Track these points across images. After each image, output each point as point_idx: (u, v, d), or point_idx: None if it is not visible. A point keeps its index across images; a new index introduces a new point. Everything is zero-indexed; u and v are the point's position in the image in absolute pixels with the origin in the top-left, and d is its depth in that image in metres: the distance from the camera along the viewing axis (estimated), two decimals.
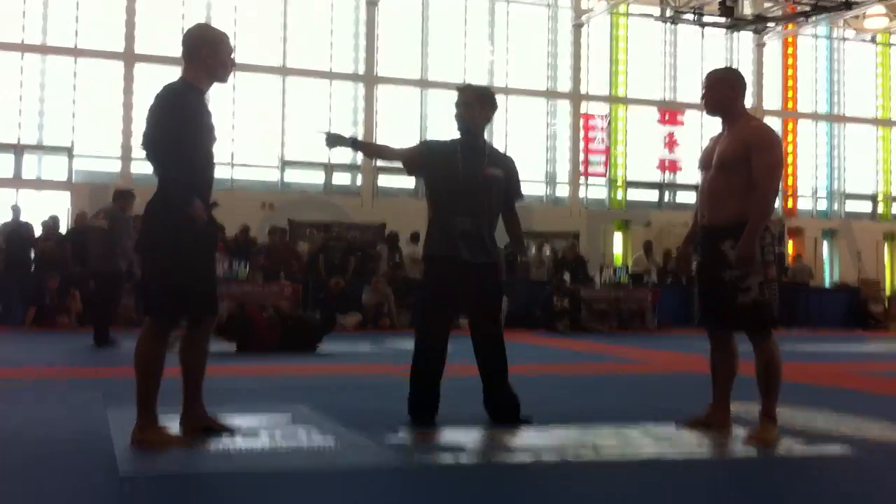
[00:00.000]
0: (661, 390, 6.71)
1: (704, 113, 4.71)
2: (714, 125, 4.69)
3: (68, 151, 18.46)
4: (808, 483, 3.67)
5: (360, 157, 19.97)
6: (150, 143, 3.89)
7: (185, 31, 4.11)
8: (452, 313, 4.84)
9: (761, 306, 4.34)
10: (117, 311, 11.13)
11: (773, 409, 4.36)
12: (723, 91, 4.51)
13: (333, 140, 4.80)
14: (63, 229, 15.08)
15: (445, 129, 19.61)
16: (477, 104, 4.82)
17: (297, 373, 7.33)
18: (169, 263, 3.87)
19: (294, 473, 3.50)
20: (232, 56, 4.10)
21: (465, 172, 4.69)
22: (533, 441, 4.22)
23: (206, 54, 3.99)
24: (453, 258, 4.65)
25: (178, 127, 3.82)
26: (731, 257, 4.34)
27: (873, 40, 24.08)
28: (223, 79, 4.09)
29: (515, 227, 4.97)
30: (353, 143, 4.97)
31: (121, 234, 9.94)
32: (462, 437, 4.25)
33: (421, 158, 4.86)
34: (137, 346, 3.94)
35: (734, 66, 21.96)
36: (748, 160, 4.33)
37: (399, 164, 4.93)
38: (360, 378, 7.17)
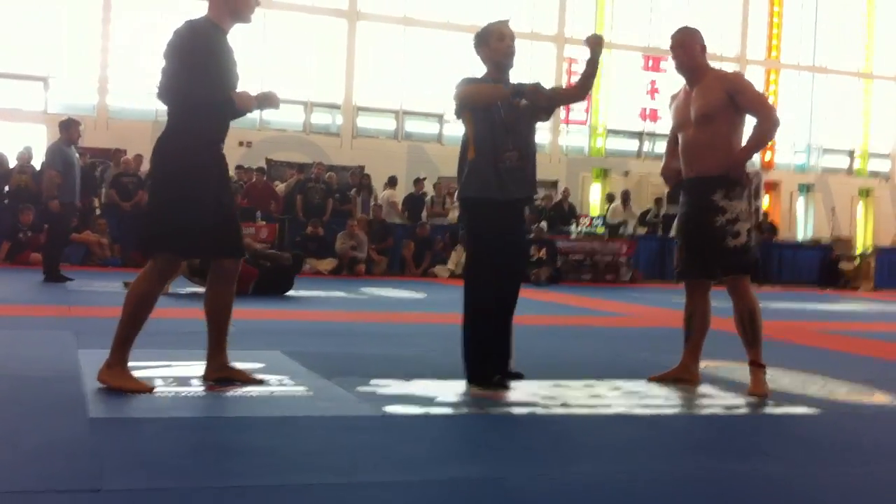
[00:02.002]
0: (637, 344, 6.78)
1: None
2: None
3: (44, 81, 18.13)
4: (772, 438, 3.74)
5: (339, 96, 19.81)
6: (169, 90, 3.83)
7: None
8: (502, 254, 4.55)
9: (748, 251, 4.53)
10: (67, 245, 10.99)
11: (759, 356, 4.51)
12: (693, 49, 4.65)
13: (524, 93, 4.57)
14: (38, 161, 14.86)
15: (425, 68, 19.36)
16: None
17: (271, 317, 7.33)
18: (175, 196, 3.81)
19: (264, 420, 3.52)
20: None
21: (504, 107, 4.57)
22: (504, 394, 4.26)
23: None
24: (503, 201, 4.50)
25: (202, 68, 3.75)
26: (723, 204, 4.49)
27: None
28: (247, 18, 4.01)
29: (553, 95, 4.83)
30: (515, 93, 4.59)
31: (48, 165, 9.85)
32: (434, 390, 4.28)
33: (467, 95, 4.63)
34: (133, 284, 3.92)
35: (720, 14, 21.94)
36: (730, 107, 4.51)
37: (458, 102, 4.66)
38: (336, 324, 7.18)
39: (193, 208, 3.81)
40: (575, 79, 21.62)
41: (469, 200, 4.61)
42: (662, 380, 4.74)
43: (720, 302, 4.82)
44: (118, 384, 3.80)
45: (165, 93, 3.86)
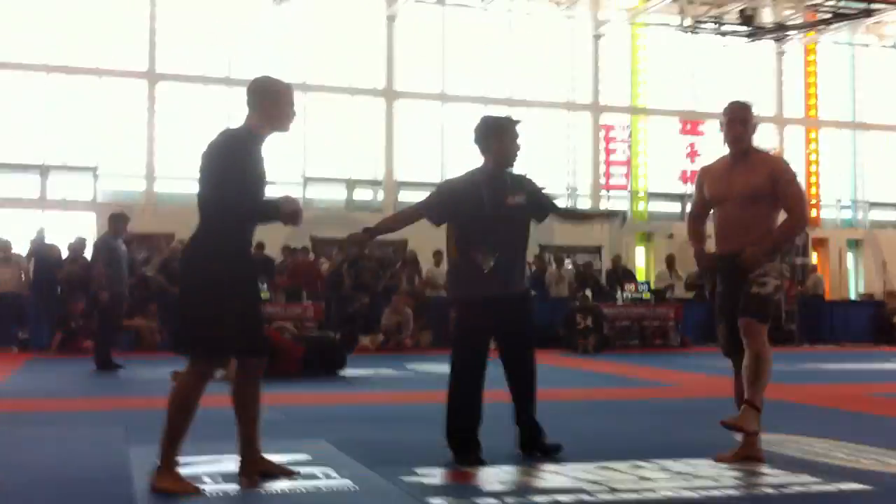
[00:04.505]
0: (686, 418, 6.69)
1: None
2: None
3: (93, 171, 18.66)
4: None
5: (380, 172, 20.12)
6: (208, 200, 3.95)
7: (250, 82, 4.16)
8: (488, 349, 4.83)
9: (770, 301, 4.54)
10: (118, 334, 11.20)
11: (757, 398, 4.49)
12: (753, 126, 4.71)
13: (353, 245, 4.94)
14: (89, 251, 15.22)
15: (464, 142, 19.60)
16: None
17: (318, 402, 7.38)
18: (208, 302, 3.89)
19: None
20: (294, 107, 4.16)
21: (490, 206, 4.72)
22: (549, 480, 4.23)
23: (268, 106, 4.07)
24: (486, 298, 4.70)
25: (241, 180, 3.88)
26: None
27: (895, 46, 23.87)
28: (286, 128, 4.16)
29: (572, 212, 5.06)
30: (369, 232, 4.90)
31: (95, 259, 10.11)
32: (479, 477, 4.27)
33: (444, 205, 4.86)
34: (176, 385, 4.00)
35: (755, 75, 22.00)
36: (771, 192, 4.57)
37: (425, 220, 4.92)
38: (382, 407, 7.19)
39: (223, 311, 3.88)
40: (613, 145, 21.70)
41: (456, 300, 4.93)
42: (730, 460, 4.63)
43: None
44: (168, 487, 3.83)
45: (205, 201, 3.97)
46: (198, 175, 4.01)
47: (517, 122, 4.90)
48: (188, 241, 4.05)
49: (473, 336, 4.76)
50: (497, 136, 4.81)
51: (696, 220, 4.95)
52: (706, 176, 4.85)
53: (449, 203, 4.84)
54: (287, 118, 4.13)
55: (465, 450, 4.64)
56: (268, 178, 4.10)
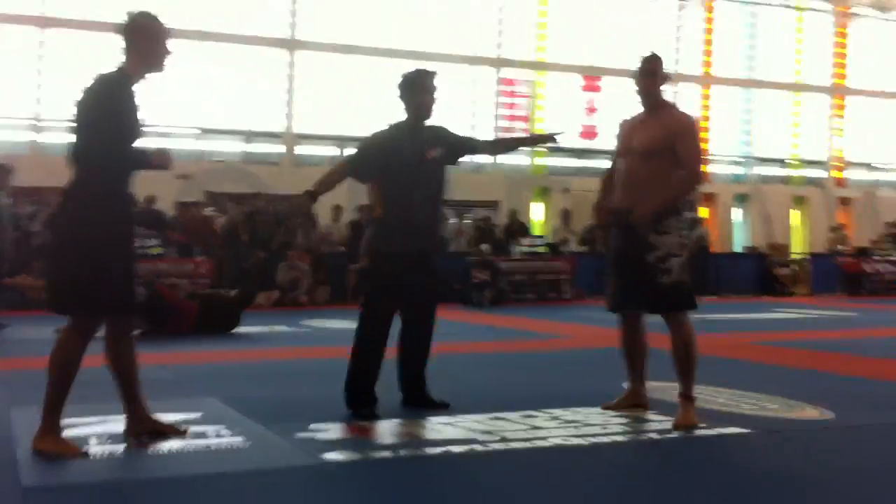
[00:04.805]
0: (578, 369, 6.88)
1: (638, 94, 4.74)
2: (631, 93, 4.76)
3: None
4: (706, 463, 3.82)
5: (280, 124, 19.75)
6: (84, 151, 3.80)
7: (124, 21, 3.97)
8: (398, 304, 4.84)
9: (681, 287, 4.53)
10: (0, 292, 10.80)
11: (690, 389, 4.54)
12: (662, 79, 4.69)
13: (301, 212, 4.85)
14: None
15: (366, 95, 19.24)
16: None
17: (211, 360, 7.27)
18: (85, 256, 3.75)
19: (200, 477, 3.49)
20: (168, 45, 4.01)
21: (413, 160, 4.74)
22: (443, 432, 4.29)
23: (141, 43, 3.92)
24: (409, 253, 4.72)
25: (116, 128, 3.74)
26: (653, 241, 4.50)
27: (792, 7, 24.53)
28: (161, 68, 4.01)
29: (503, 142, 5.04)
30: (311, 195, 4.78)
31: None
32: (373, 431, 4.30)
33: (370, 162, 4.83)
34: (55, 347, 3.87)
35: (654, 31, 22.35)
36: (672, 147, 4.53)
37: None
38: (276, 364, 7.14)
39: (110, 268, 3.77)
40: (514, 100, 21.71)
41: (377, 253, 4.87)
42: (616, 408, 4.81)
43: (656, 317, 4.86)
44: (51, 449, 3.74)
45: (77, 151, 3.82)
46: (72, 123, 3.85)
47: (433, 73, 4.88)
48: (62, 192, 3.86)
49: (391, 292, 4.76)
50: (413, 89, 4.81)
51: (608, 174, 4.89)
52: (622, 128, 4.82)
53: (375, 158, 4.82)
54: (162, 56, 3.98)
55: (363, 404, 4.65)
56: (142, 120, 3.92)
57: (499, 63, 21.45)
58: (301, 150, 20.02)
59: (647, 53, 4.74)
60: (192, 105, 18.60)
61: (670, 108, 4.74)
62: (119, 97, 3.82)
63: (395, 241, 4.74)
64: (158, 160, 3.86)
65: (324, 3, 20.20)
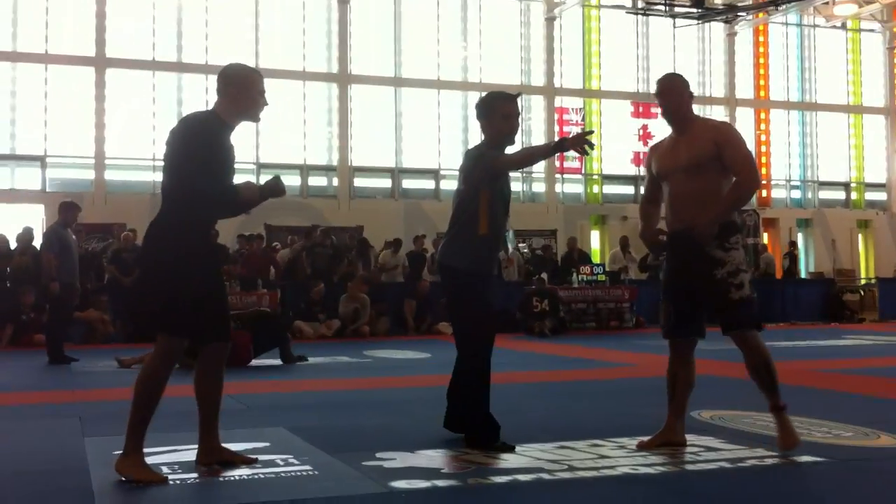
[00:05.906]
0: (643, 398, 6.78)
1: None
2: None
3: (41, 160, 18.32)
4: (779, 496, 3.73)
5: (335, 158, 20.02)
6: (168, 187, 3.93)
7: (221, 69, 4.13)
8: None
9: (752, 302, 4.42)
10: (70, 326, 11.03)
11: (779, 398, 4.39)
12: (681, 94, 4.56)
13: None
14: (37, 242, 14.94)
15: (419, 126, 19.60)
16: None
17: (276, 389, 7.33)
18: (168, 281, 3.85)
19: None
20: (264, 96, 4.10)
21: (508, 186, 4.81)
22: (509, 460, 4.26)
23: (235, 93, 4.03)
24: (492, 276, 4.77)
25: (198, 165, 3.83)
26: (720, 256, 4.38)
27: (843, 27, 24.27)
28: (256, 117, 4.13)
29: (514, 158, 4.84)
30: (558, 146, 4.58)
31: (46, 250, 9.94)
32: (440, 460, 4.29)
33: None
34: (142, 368, 3.96)
35: (706, 57, 22.26)
36: (718, 158, 4.40)
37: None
38: (341, 394, 7.17)
39: (182, 287, 3.85)
40: (566, 128, 21.80)
41: (471, 274, 4.62)
42: (650, 446, 4.54)
43: (710, 344, 4.78)
44: (134, 475, 3.79)
45: (168, 188, 3.94)
46: (162, 162, 3.99)
47: (513, 96, 4.69)
48: (150, 224, 3.98)
49: (493, 313, 4.78)
50: (489, 117, 4.69)
51: (645, 201, 4.81)
52: (654, 153, 4.72)
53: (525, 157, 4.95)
54: (255, 106, 4.08)
55: (496, 432, 4.55)
56: (231, 157, 4.04)
57: (550, 91, 21.48)
58: (358, 182, 20.23)
59: (666, 74, 4.72)
60: (249, 140, 18.95)
61: (702, 120, 4.66)
62: (200, 134, 3.91)
63: (482, 261, 4.65)
64: (246, 195, 3.94)
65: (374, 36, 20.50)
